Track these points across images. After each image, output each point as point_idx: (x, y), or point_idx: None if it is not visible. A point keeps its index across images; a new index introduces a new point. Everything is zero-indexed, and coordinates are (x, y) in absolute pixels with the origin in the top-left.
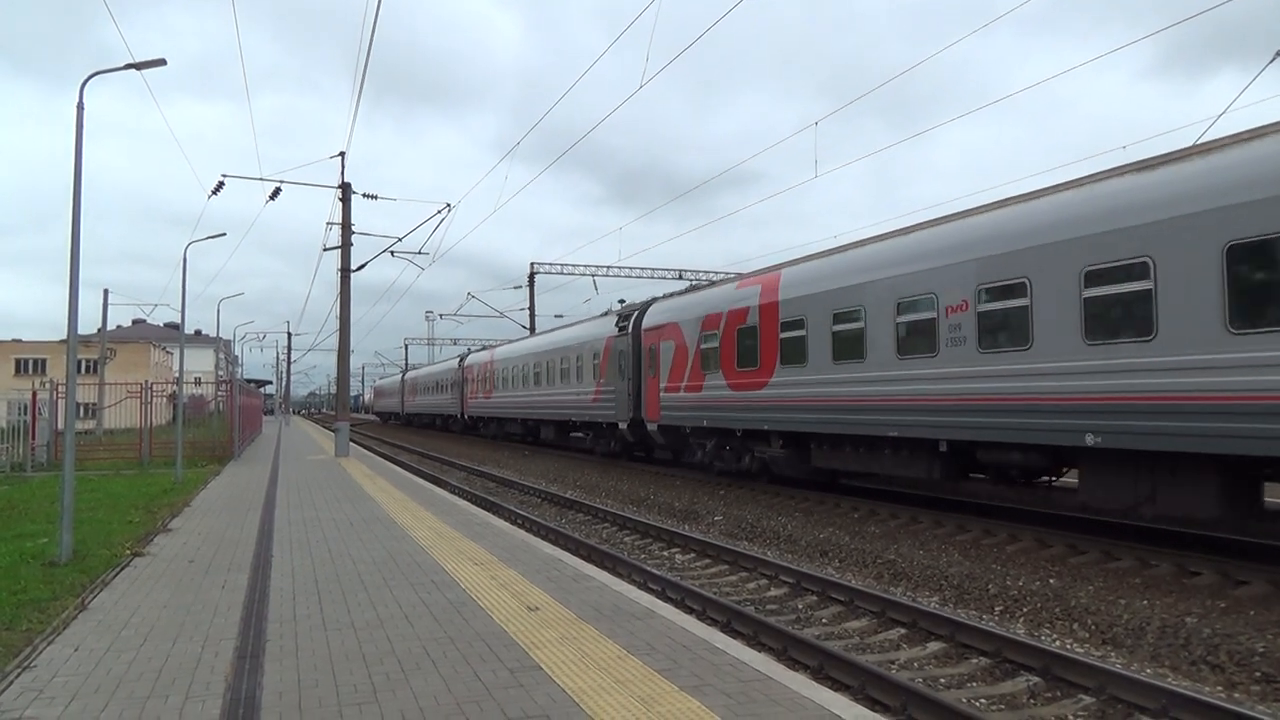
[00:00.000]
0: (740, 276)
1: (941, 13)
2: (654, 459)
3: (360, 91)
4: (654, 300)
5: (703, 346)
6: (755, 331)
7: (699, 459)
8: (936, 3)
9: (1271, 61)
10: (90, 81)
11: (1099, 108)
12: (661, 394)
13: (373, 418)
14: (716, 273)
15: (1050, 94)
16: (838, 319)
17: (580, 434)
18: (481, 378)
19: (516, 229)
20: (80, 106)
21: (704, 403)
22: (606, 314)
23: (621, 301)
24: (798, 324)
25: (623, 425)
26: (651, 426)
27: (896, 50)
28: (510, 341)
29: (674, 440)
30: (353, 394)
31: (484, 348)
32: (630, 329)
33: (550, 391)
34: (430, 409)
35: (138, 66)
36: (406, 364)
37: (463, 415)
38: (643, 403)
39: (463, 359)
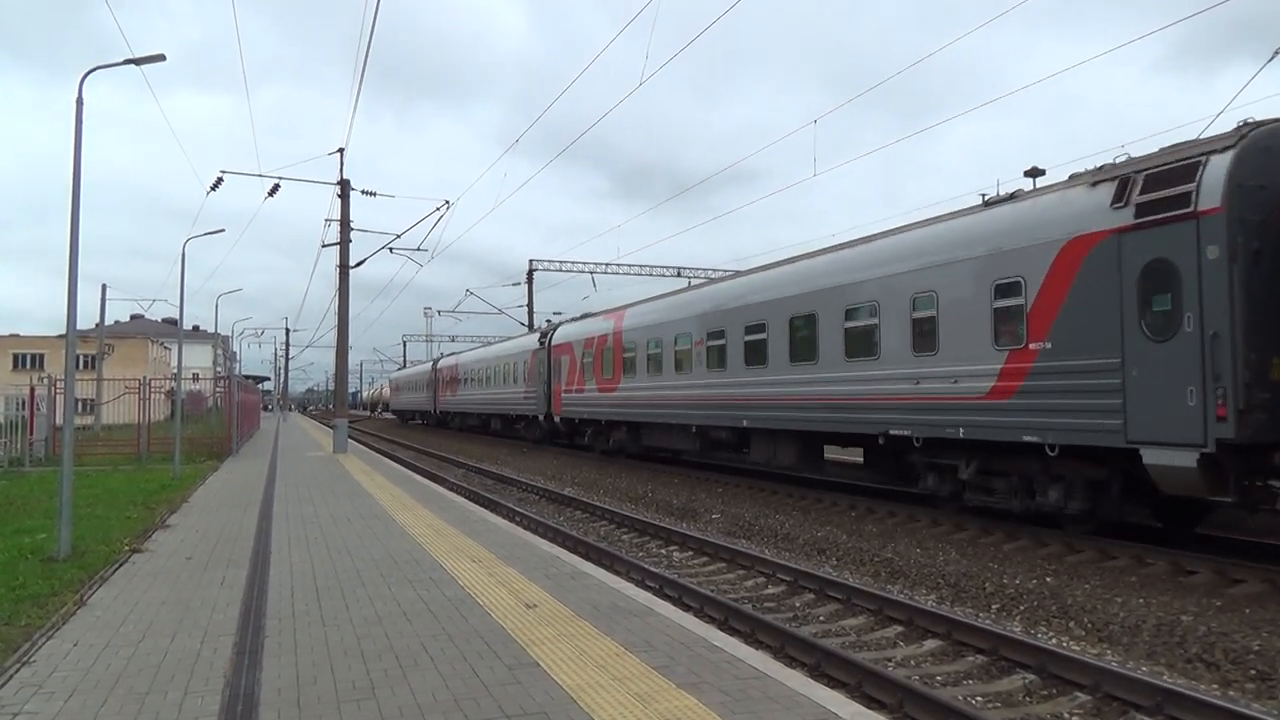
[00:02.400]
0: None
1: (950, 6)
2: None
3: (360, 83)
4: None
5: None
6: None
7: None
8: None
9: (1271, 59)
10: (89, 76)
11: (1111, 102)
12: None
13: (373, 415)
14: (717, 270)
15: (1061, 88)
16: None
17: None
18: (593, 358)
19: (519, 224)
20: (79, 101)
21: None
22: (1011, 195)
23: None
24: None
25: (1181, 459)
26: None
27: (905, 44)
28: (652, 298)
29: None
30: (351, 390)
31: (583, 317)
32: (1223, 202)
33: (805, 375)
34: (485, 407)
35: (137, 62)
36: (405, 360)
37: (548, 416)
38: None
39: (547, 334)
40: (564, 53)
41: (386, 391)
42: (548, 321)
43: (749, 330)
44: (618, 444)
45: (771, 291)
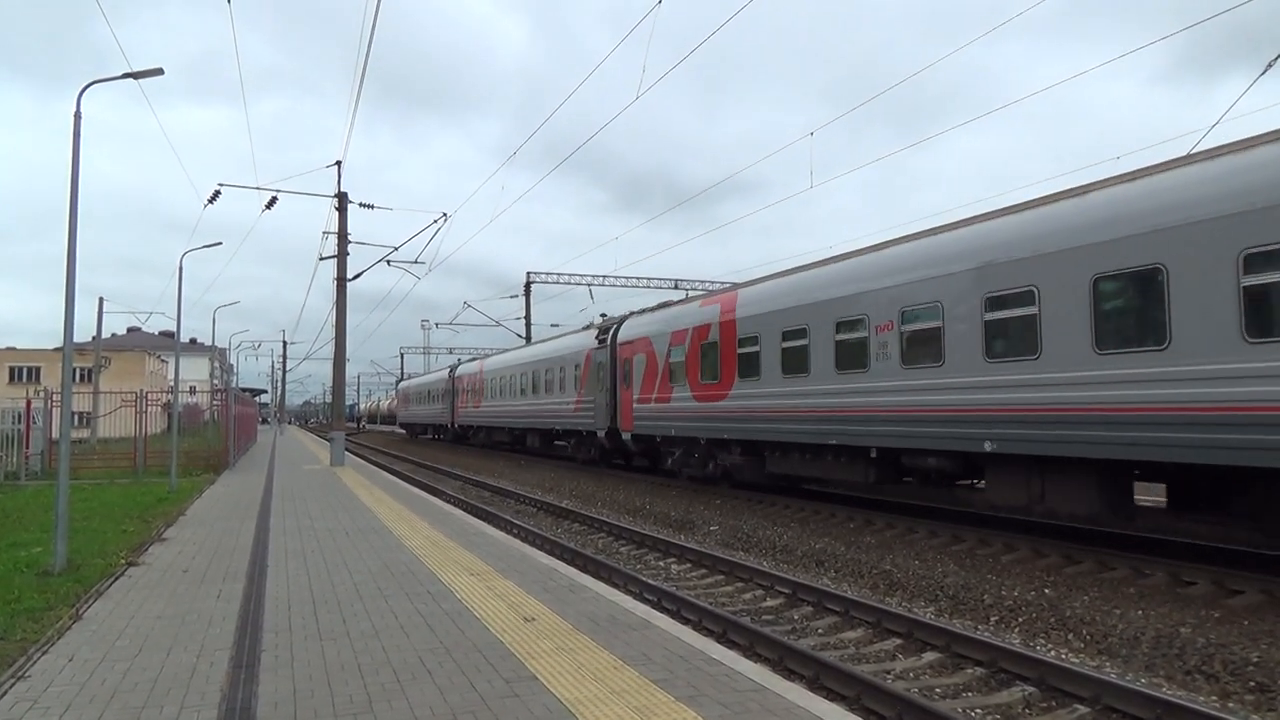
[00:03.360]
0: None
1: (952, 16)
2: None
3: (359, 96)
4: None
5: None
6: None
7: None
8: (947, 4)
9: (1265, 71)
10: (87, 89)
11: (1110, 114)
12: None
13: (360, 429)
14: (714, 282)
15: (1060, 100)
16: None
17: None
18: (687, 357)
19: (518, 236)
20: (78, 115)
21: None
22: None
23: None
24: None
25: None
26: None
27: (906, 55)
28: (785, 273)
29: None
30: (349, 403)
31: (661, 307)
32: None
33: (1136, 369)
34: (519, 420)
35: (135, 76)
36: (403, 373)
37: (612, 433)
38: None
39: (609, 329)
40: (565, 65)
41: (385, 404)
42: (601, 316)
43: (995, 303)
44: (725, 470)
45: (1050, 240)
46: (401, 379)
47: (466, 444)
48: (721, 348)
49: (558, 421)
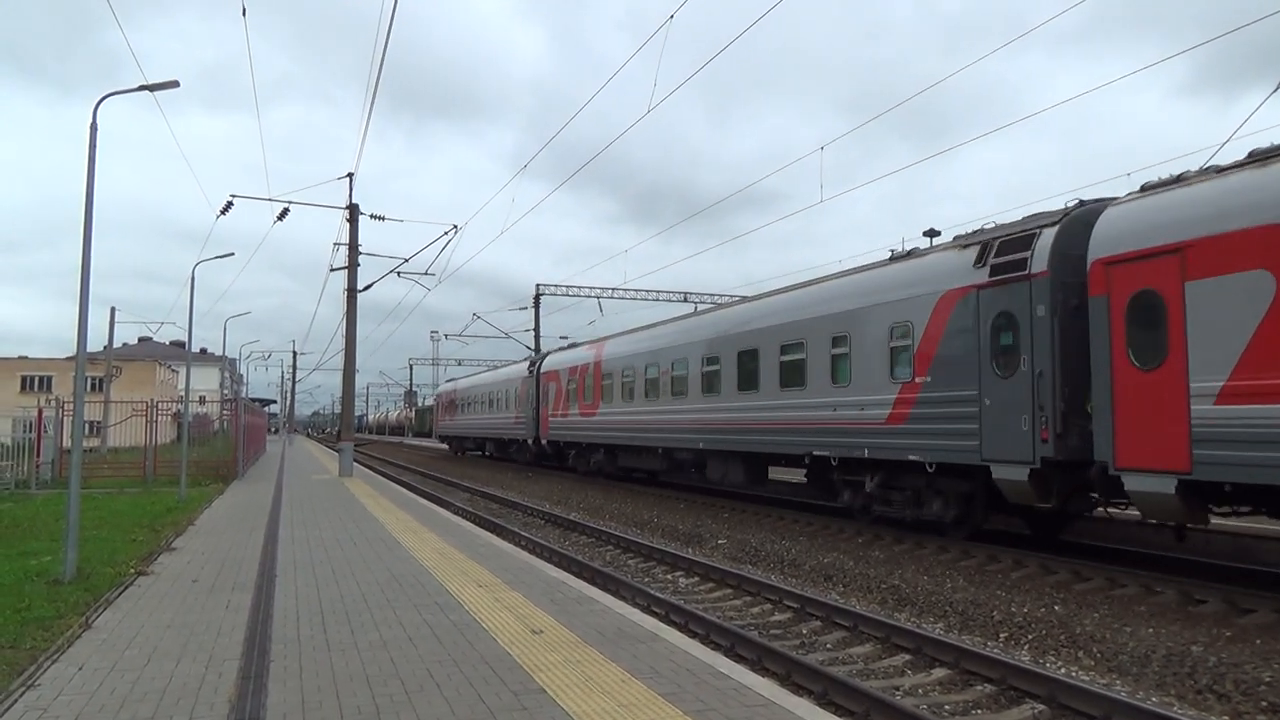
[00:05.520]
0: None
1: (971, 28)
2: None
3: (371, 106)
4: None
5: None
6: None
7: None
8: (966, 17)
9: (1274, 92)
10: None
11: (1131, 126)
12: None
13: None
14: (724, 295)
15: (1081, 112)
16: None
17: None
18: None
19: (529, 248)
20: (93, 127)
21: None
22: None
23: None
24: None
25: None
26: None
27: (924, 67)
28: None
29: None
30: (357, 414)
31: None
32: None
33: None
34: (703, 435)
35: (151, 88)
36: (411, 383)
37: (1063, 466)
38: None
39: (1031, 240)
40: (579, 75)
41: (394, 415)
42: (983, 227)
43: None
44: None
45: None
46: (411, 389)
47: (561, 470)
48: None
49: (831, 441)
